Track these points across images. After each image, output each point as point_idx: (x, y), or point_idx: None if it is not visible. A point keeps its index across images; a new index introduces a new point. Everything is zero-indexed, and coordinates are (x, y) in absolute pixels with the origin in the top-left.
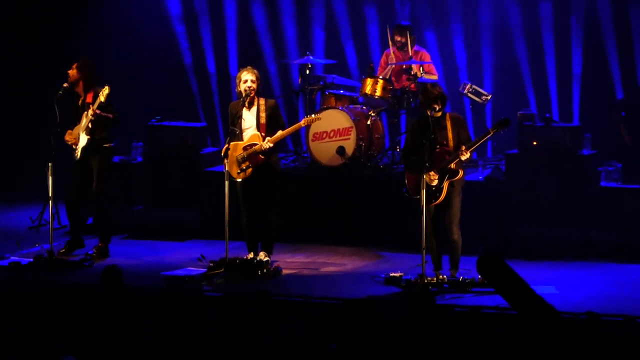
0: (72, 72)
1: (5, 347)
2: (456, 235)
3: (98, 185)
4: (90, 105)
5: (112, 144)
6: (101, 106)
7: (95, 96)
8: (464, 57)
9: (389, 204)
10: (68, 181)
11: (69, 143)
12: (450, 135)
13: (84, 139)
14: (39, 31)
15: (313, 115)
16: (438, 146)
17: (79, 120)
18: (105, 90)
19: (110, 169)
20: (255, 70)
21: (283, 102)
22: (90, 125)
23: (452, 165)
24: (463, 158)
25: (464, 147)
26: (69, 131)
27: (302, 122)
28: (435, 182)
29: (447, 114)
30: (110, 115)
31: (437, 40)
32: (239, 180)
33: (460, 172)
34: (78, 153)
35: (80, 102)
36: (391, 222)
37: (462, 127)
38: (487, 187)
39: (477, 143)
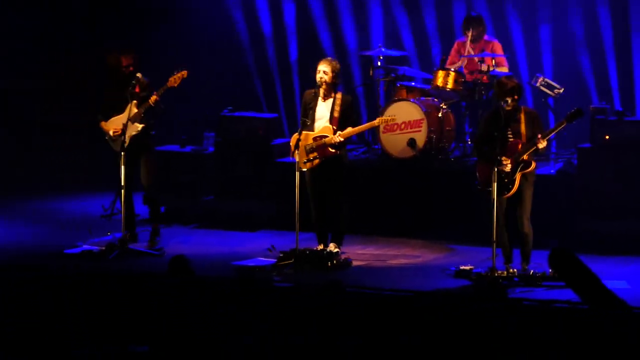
0: (129, 62)
1: (76, 332)
2: (527, 228)
3: (152, 174)
4: (154, 92)
5: (154, 132)
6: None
7: (142, 87)
8: (523, 50)
9: (460, 197)
10: (122, 174)
11: (114, 134)
12: (523, 128)
13: (133, 129)
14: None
15: (388, 116)
16: (511, 137)
17: (118, 111)
18: (183, 74)
19: (155, 157)
20: (333, 62)
21: (355, 93)
22: (143, 115)
23: (525, 157)
24: (540, 146)
25: (540, 135)
26: (104, 122)
27: (376, 122)
28: (508, 168)
29: (522, 108)
30: (162, 105)
31: (509, 30)
32: (305, 170)
33: (533, 164)
34: (124, 142)
35: (125, 92)
36: (462, 214)
37: (536, 122)
38: (559, 181)
39: (552, 132)
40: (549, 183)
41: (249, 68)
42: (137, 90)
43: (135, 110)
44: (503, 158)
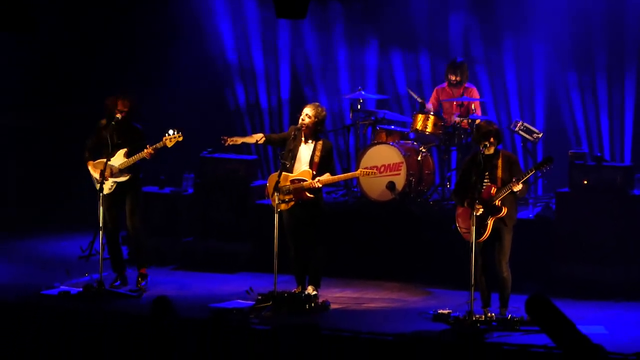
0: (124, 107)
1: None
2: (505, 272)
3: (139, 218)
4: (149, 146)
5: (141, 175)
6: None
7: (132, 136)
8: (515, 93)
9: (439, 240)
10: (107, 217)
11: (103, 177)
12: (500, 173)
13: (121, 176)
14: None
15: (369, 169)
16: (487, 182)
17: (107, 152)
18: (179, 138)
19: (142, 200)
20: (319, 108)
21: (334, 136)
22: (131, 163)
23: (497, 202)
24: (515, 189)
25: (514, 179)
26: (91, 162)
27: (357, 173)
28: (480, 212)
29: (500, 152)
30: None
31: (489, 75)
32: (284, 213)
33: (504, 210)
34: (110, 187)
35: (113, 135)
36: (440, 258)
37: (514, 167)
38: (537, 225)
39: (526, 177)
40: (527, 228)
41: (230, 108)
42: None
43: (124, 159)
44: (476, 203)
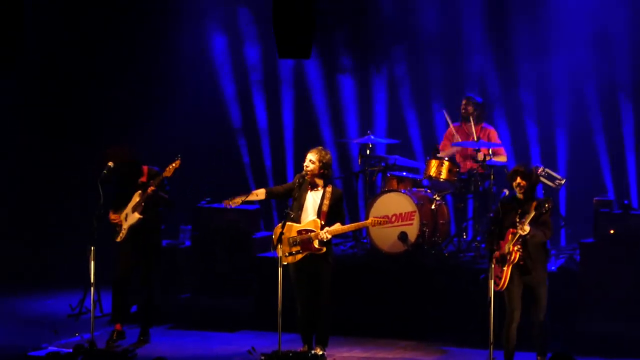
0: (117, 153)
1: None
2: (542, 318)
3: (148, 270)
4: (151, 182)
5: (162, 226)
6: (160, 185)
7: (149, 177)
8: (536, 137)
9: (455, 295)
10: (118, 264)
11: (114, 222)
12: (528, 221)
13: (133, 218)
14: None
15: (380, 218)
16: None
17: (124, 201)
18: (176, 165)
19: (160, 252)
20: (322, 152)
21: (341, 183)
22: (143, 204)
23: (512, 247)
24: (522, 233)
25: (520, 221)
26: (112, 210)
27: (368, 222)
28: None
29: (535, 201)
30: (166, 195)
31: (508, 119)
32: (290, 266)
33: (515, 255)
34: (123, 233)
35: (131, 181)
36: (457, 314)
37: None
38: (560, 278)
39: (528, 219)
40: (550, 281)
41: (232, 157)
42: (143, 179)
43: (137, 199)
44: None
